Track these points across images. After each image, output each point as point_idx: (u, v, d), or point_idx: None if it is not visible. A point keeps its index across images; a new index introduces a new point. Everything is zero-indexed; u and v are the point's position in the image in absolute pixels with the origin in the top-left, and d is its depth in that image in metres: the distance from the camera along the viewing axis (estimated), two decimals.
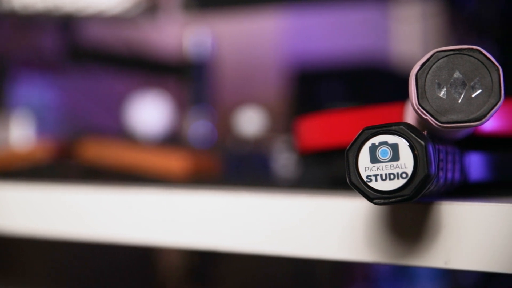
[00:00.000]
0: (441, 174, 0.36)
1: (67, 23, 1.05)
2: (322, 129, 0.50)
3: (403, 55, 1.13)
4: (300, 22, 1.23)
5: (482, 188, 0.44)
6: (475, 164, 0.43)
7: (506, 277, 0.90)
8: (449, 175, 0.37)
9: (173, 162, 0.69)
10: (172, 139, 1.02)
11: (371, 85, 0.99)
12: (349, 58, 1.06)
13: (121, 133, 1.05)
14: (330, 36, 1.22)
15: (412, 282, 1.01)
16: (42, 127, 1.08)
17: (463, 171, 0.41)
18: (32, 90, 1.15)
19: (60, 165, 0.73)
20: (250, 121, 0.95)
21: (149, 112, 1.05)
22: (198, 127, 0.98)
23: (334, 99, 0.99)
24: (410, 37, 1.16)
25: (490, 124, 0.43)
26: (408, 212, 0.38)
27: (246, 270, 1.11)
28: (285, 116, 1.04)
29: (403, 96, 0.40)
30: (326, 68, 1.04)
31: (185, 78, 1.02)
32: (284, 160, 0.82)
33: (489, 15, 0.87)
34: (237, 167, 0.81)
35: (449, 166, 0.37)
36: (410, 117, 0.39)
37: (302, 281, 1.07)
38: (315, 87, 1.02)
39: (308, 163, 0.75)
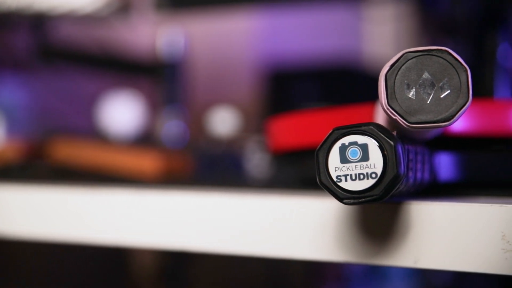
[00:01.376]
0: (410, 174, 0.36)
1: (38, 22, 1.05)
2: (294, 129, 0.50)
3: (375, 56, 1.14)
4: (273, 23, 1.24)
5: (451, 188, 0.44)
6: (445, 164, 0.43)
7: (477, 276, 0.91)
8: (419, 175, 0.38)
9: (145, 162, 0.68)
10: (145, 139, 1.02)
11: (344, 85, 1.00)
12: (322, 59, 1.06)
13: (93, 133, 1.05)
14: (304, 37, 1.23)
15: (384, 281, 1.01)
16: (12, 127, 1.07)
17: (432, 171, 0.42)
18: (2, 90, 1.14)
19: (31, 165, 0.72)
20: (223, 121, 0.95)
21: (122, 112, 1.04)
22: (171, 127, 0.98)
23: (307, 99, 0.99)
24: (382, 38, 1.16)
25: (459, 125, 0.43)
26: (377, 212, 0.38)
27: (219, 270, 1.11)
28: (258, 116, 1.04)
29: (376, 96, 0.40)
30: (299, 69, 1.04)
31: (158, 78, 1.02)
32: (257, 160, 0.82)
33: (461, 15, 0.88)
34: (210, 167, 0.81)
35: (419, 166, 0.38)
36: (380, 118, 0.39)
37: (275, 281, 1.07)
38: (288, 87, 1.02)
39: (281, 163, 0.75)
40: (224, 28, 1.21)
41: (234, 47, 1.25)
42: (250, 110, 1.10)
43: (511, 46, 0.77)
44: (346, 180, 0.33)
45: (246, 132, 0.95)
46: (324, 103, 0.92)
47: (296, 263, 1.02)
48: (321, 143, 0.34)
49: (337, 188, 0.34)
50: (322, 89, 1.01)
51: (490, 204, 0.36)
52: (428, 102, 0.33)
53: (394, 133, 0.34)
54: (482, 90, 0.73)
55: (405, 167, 0.34)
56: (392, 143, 0.33)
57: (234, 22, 1.19)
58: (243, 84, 1.21)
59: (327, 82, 1.01)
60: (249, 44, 1.25)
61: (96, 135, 1.04)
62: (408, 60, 0.34)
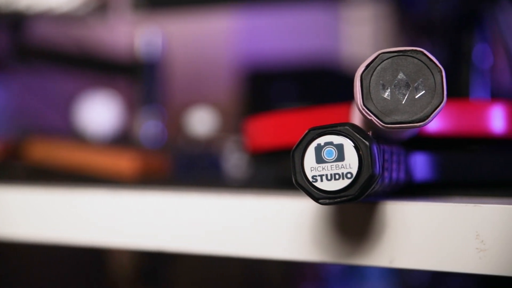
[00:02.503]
0: (386, 174, 0.36)
1: (15, 21, 1.04)
2: (271, 129, 0.50)
3: (354, 56, 1.14)
4: (252, 23, 1.24)
5: (426, 188, 0.44)
6: (420, 164, 0.44)
7: (454, 276, 0.92)
8: (394, 175, 0.38)
9: (123, 162, 0.68)
10: (122, 139, 1.02)
11: (321, 85, 1.00)
12: (300, 59, 1.06)
13: (71, 133, 1.04)
14: (282, 37, 1.23)
15: (362, 281, 1.02)
16: None
17: (408, 171, 0.42)
18: None
19: (7, 166, 0.72)
20: (201, 121, 0.95)
21: (99, 112, 1.04)
22: (149, 127, 0.98)
23: (285, 99, 0.99)
24: (360, 38, 1.17)
25: (435, 125, 0.44)
26: (353, 212, 0.39)
27: (198, 270, 1.11)
28: (236, 116, 1.04)
29: (353, 96, 0.40)
30: (277, 69, 1.05)
31: (136, 78, 1.02)
32: (235, 160, 0.82)
33: (438, 17, 0.88)
34: (188, 167, 0.81)
35: (394, 166, 0.38)
36: (356, 118, 0.39)
37: (254, 281, 1.07)
38: (267, 87, 1.02)
39: (259, 163, 0.75)
40: (202, 28, 1.21)
41: (213, 47, 1.25)
42: (228, 110, 1.10)
43: (487, 47, 0.78)
44: (321, 180, 0.33)
45: (224, 132, 0.95)
46: (302, 103, 0.93)
47: (274, 263, 1.02)
48: (297, 143, 0.34)
49: (312, 188, 0.34)
50: (300, 89, 1.01)
51: (465, 204, 0.36)
52: (403, 102, 0.34)
53: (370, 133, 0.34)
54: (458, 91, 0.74)
55: (381, 167, 0.34)
56: (367, 143, 0.33)
57: (212, 22, 1.18)
58: (221, 84, 1.21)
59: (305, 82, 1.01)
60: (228, 44, 1.25)
61: (73, 135, 1.03)
62: (383, 60, 0.34)
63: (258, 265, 1.05)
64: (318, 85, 1.01)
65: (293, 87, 1.01)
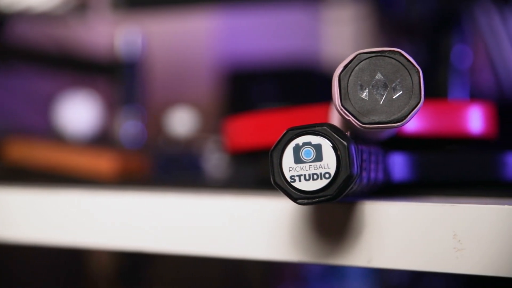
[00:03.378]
0: (364, 174, 0.36)
1: None
2: (251, 129, 0.50)
3: (334, 56, 1.15)
4: (232, 23, 1.24)
5: (405, 188, 0.45)
6: (398, 165, 0.44)
7: (433, 275, 0.92)
8: (372, 175, 0.38)
9: (102, 162, 0.68)
10: (102, 140, 1.01)
11: (302, 86, 1.00)
12: (281, 59, 1.06)
13: (50, 133, 1.04)
14: (263, 37, 1.23)
15: (342, 281, 1.02)
16: None
17: (386, 171, 0.42)
18: None
19: None
20: (181, 121, 0.95)
21: (79, 112, 1.03)
22: (129, 127, 0.97)
23: (266, 99, 0.99)
24: (341, 39, 1.17)
25: (413, 125, 0.44)
26: (332, 212, 0.39)
27: (177, 270, 1.11)
28: (216, 117, 1.04)
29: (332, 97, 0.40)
30: (258, 69, 1.05)
31: (116, 78, 1.01)
32: (215, 160, 0.82)
33: (417, 17, 0.89)
34: (168, 168, 0.81)
35: (372, 166, 0.38)
36: (335, 118, 0.39)
37: (233, 281, 1.07)
38: (247, 87, 1.02)
39: (239, 163, 0.75)
40: (182, 28, 1.21)
41: (193, 47, 1.25)
42: (208, 110, 1.10)
43: (466, 48, 0.78)
44: (300, 180, 0.33)
45: (205, 132, 0.95)
46: (282, 103, 0.93)
47: (255, 263, 1.02)
48: (275, 144, 0.34)
49: (291, 188, 0.34)
50: (280, 89, 1.01)
51: (442, 204, 0.37)
52: (381, 103, 0.34)
53: (348, 133, 0.34)
54: (436, 91, 0.74)
55: (359, 167, 0.34)
56: (345, 143, 0.33)
57: (193, 22, 1.18)
58: (201, 84, 1.21)
59: (286, 83, 1.01)
60: (208, 44, 1.25)
61: (52, 135, 1.02)
62: (361, 61, 0.34)
63: (238, 265, 1.05)
64: (298, 86, 1.01)
65: (274, 87, 1.01)
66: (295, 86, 1.01)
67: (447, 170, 0.45)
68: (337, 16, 1.16)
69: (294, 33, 1.22)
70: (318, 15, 1.19)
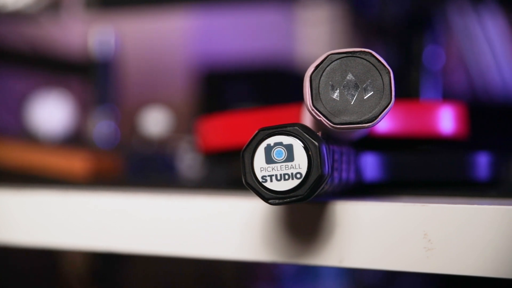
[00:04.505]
0: (335, 174, 0.36)
1: None
2: (223, 129, 0.50)
3: (309, 57, 1.15)
4: (207, 23, 1.23)
5: (377, 188, 0.45)
6: (370, 165, 0.44)
7: (406, 274, 0.93)
8: (344, 175, 0.38)
9: (75, 162, 0.68)
10: (75, 140, 1.01)
11: (277, 86, 1.00)
12: (255, 60, 1.06)
13: (22, 133, 1.03)
14: (238, 38, 1.23)
15: (316, 281, 1.02)
16: None
17: (358, 171, 0.42)
18: None
19: None
20: (155, 122, 0.94)
21: (51, 112, 1.02)
22: (102, 127, 0.97)
23: (241, 100, 0.99)
24: (316, 39, 1.17)
25: (385, 125, 0.44)
26: (303, 212, 0.39)
27: (152, 271, 1.10)
28: (191, 117, 1.03)
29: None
30: (232, 69, 1.05)
31: (89, 77, 1.01)
32: (189, 161, 0.81)
33: (390, 18, 0.89)
34: (142, 168, 0.80)
35: (344, 166, 0.38)
36: (307, 118, 0.39)
37: (208, 281, 1.07)
38: (222, 88, 1.02)
39: (212, 163, 0.75)
40: (157, 27, 1.21)
41: (167, 47, 1.24)
42: (183, 110, 1.10)
43: (438, 48, 0.79)
44: (271, 181, 0.34)
45: (179, 133, 0.94)
46: (257, 103, 0.93)
47: (229, 262, 1.02)
48: (247, 144, 0.34)
49: (262, 189, 0.34)
50: (255, 90, 1.01)
51: (413, 204, 0.37)
52: (352, 103, 0.34)
53: (319, 133, 0.34)
54: (409, 92, 0.75)
55: (330, 168, 0.34)
56: (316, 143, 0.33)
57: (167, 22, 1.18)
58: (176, 84, 1.21)
59: (261, 83, 1.01)
60: (183, 44, 1.25)
61: (25, 135, 1.02)
62: (333, 61, 0.34)
63: (212, 265, 1.05)
64: (273, 86, 1.01)
65: (248, 87, 1.01)
66: (270, 86, 1.01)
67: (418, 170, 0.46)
68: (312, 17, 1.16)
69: (269, 33, 1.22)
70: (293, 16, 1.20)
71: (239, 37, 1.23)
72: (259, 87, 1.01)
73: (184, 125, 1.01)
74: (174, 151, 0.84)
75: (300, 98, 0.47)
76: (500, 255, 0.35)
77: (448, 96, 0.84)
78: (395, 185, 0.45)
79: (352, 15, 1.08)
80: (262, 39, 1.21)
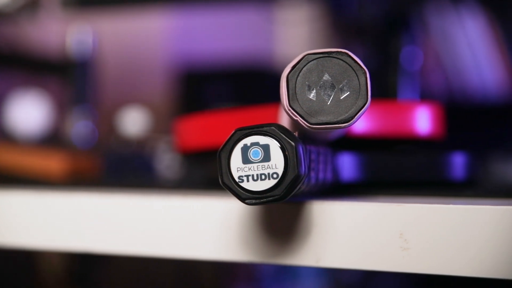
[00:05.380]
0: (312, 174, 0.36)
1: None
2: (201, 129, 0.50)
3: (288, 57, 1.15)
4: (186, 23, 1.23)
5: (353, 188, 0.45)
6: (347, 165, 0.44)
7: (385, 274, 0.93)
8: (321, 175, 0.38)
9: (52, 163, 0.67)
10: (53, 140, 1.00)
11: (256, 86, 1.00)
12: (234, 60, 1.06)
13: None
14: (217, 38, 1.23)
15: (295, 281, 1.02)
16: None
17: (335, 171, 0.42)
18: None
19: None
20: (133, 122, 0.94)
21: (29, 112, 1.02)
22: (80, 127, 0.96)
23: (220, 100, 0.99)
24: (295, 39, 1.18)
25: (361, 126, 0.44)
26: (280, 212, 0.39)
27: (130, 272, 1.10)
28: (169, 117, 1.03)
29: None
30: (211, 69, 1.05)
31: (67, 77, 1.00)
32: (167, 161, 0.81)
33: (368, 19, 0.90)
34: (120, 168, 0.80)
35: (321, 166, 0.38)
36: (284, 118, 0.40)
37: (186, 281, 1.07)
38: (201, 87, 1.02)
39: (191, 163, 0.75)
40: (135, 27, 1.20)
41: (146, 46, 1.24)
42: (161, 110, 1.10)
43: (416, 49, 0.79)
44: (248, 181, 0.34)
45: (157, 133, 0.94)
46: (236, 104, 0.93)
47: (207, 262, 1.02)
48: (223, 144, 0.34)
49: (239, 189, 0.34)
50: (234, 90, 1.01)
51: (389, 204, 0.37)
52: (328, 103, 0.34)
53: (296, 134, 0.34)
54: (386, 92, 0.75)
55: (307, 168, 0.34)
56: (293, 143, 0.33)
57: (146, 21, 1.18)
58: (155, 84, 1.20)
59: (240, 83, 1.01)
60: (161, 43, 1.24)
61: (2, 135, 1.01)
62: (309, 62, 0.34)
63: (191, 265, 1.05)
64: (252, 86, 1.01)
65: (227, 87, 1.01)
66: (249, 86, 1.01)
67: (395, 170, 0.46)
68: (291, 17, 1.17)
69: (248, 33, 1.22)
70: (272, 16, 1.20)
71: (218, 37, 1.23)
72: (238, 87, 1.01)
73: (163, 125, 1.01)
74: (152, 151, 0.84)
75: (278, 98, 0.47)
76: (475, 254, 0.35)
77: (425, 96, 0.84)
78: (372, 185, 0.45)
79: (331, 16, 1.08)
80: (242, 39, 1.21)
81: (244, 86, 1.01)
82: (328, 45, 1.08)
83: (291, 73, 0.34)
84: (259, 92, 0.99)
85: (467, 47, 0.89)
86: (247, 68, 1.03)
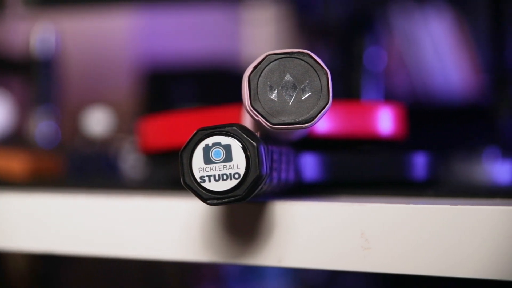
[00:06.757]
0: (274, 174, 0.36)
1: None
2: (163, 129, 0.50)
3: (253, 57, 1.15)
4: (152, 22, 1.23)
5: (316, 188, 0.45)
6: (310, 165, 0.44)
7: (350, 274, 0.94)
8: (283, 175, 0.38)
9: (13, 163, 0.67)
10: (15, 140, 0.99)
11: (221, 87, 1.00)
12: (200, 60, 1.06)
13: None
14: (182, 37, 1.22)
15: (261, 281, 1.02)
16: None
17: (297, 171, 0.43)
18: None
19: None
20: (98, 121, 0.93)
21: None
22: (43, 127, 0.95)
23: (185, 100, 0.99)
24: (261, 40, 1.18)
25: (324, 126, 0.45)
26: (242, 212, 0.39)
27: (96, 272, 1.09)
28: (134, 117, 1.03)
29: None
30: (177, 69, 1.04)
31: (30, 76, 0.99)
32: (132, 161, 0.81)
33: (333, 20, 0.90)
34: (84, 168, 0.79)
35: (283, 166, 0.38)
36: (246, 119, 0.40)
37: (151, 282, 1.07)
38: (166, 87, 1.02)
39: (154, 164, 0.75)
40: (100, 26, 1.19)
41: (111, 46, 1.23)
42: (126, 110, 1.09)
43: (380, 50, 0.80)
44: (209, 181, 0.33)
45: (122, 133, 0.94)
46: (201, 104, 0.93)
47: (172, 262, 1.02)
48: (185, 144, 0.34)
49: (200, 189, 0.34)
50: (199, 90, 1.01)
51: (351, 203, 0.37)
52: (290, 103, 0.34)
53: (258, 134, 0.34)
54: (350, 93, 0.76)
55: (268, 168, 0.34)
56: (254, 144, 0.33)
57: (110, 20, 1.17)
58: (119, 84, 1.20)
59: (205, 83, 1.01)
60: (126, 43, 1.24)
61: None
62: (271, 62, 0.34)
63: (156, 265, 1.05)
64: (217, 86, 1.01)
65: (193, 87, 1.01)
66: (214, 86, 1.01)
67: (357, 170, 0.46)
68: (257, 17, 1.17)
69: (213, 33, 1.22)
70: (237, 16, 1.20)
71: (183, 37, 1.22)
72: (204, 87, 1.01)
73: (127, 125, 1.00)
74: (117, 151, 0.83)
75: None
76: (436, 254, 0.36)
77: (390, 97, 0.85)
78: (334, 185, 0.45)
79: (297, 16, 1.08)
80: (207, 39, 1.21)
81: (210, 86, 1.01)
82: (293, 46, 1.08)
83: (252, 73, 0.34)
84: (225, 92, 0.99)
85: (431, 48, 0.89)
86: (212, 68, 1.03)
